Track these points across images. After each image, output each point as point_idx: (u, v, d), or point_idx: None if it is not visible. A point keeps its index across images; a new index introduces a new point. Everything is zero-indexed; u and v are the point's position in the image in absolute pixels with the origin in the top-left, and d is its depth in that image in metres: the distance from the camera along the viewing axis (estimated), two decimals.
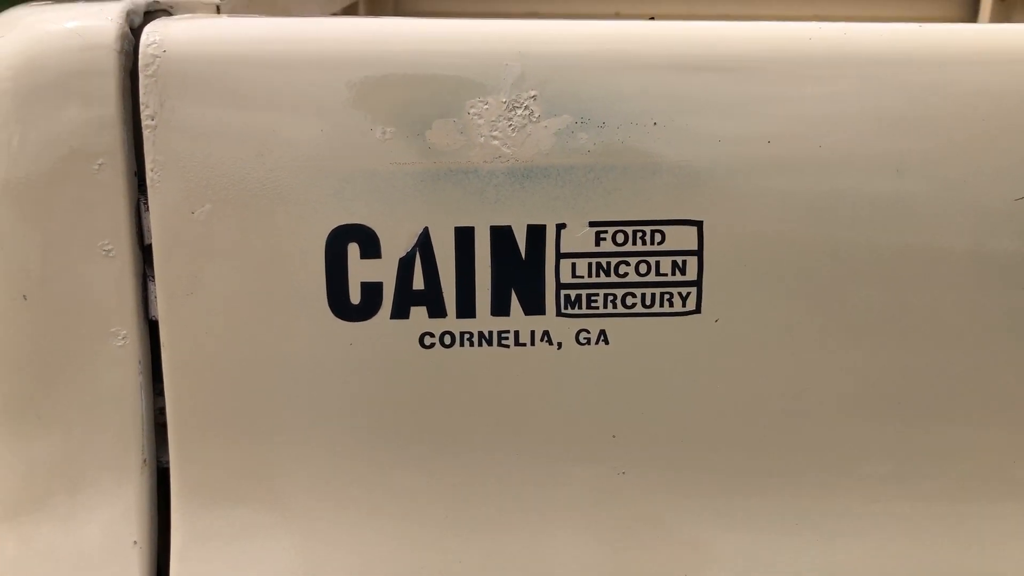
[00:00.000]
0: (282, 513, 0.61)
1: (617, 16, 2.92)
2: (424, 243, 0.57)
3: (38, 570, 0.61)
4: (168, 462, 0.61)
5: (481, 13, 2.80)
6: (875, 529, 0.64)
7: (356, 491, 0.61)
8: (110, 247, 0.58)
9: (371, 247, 0.57)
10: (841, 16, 3.05)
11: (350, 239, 0.57)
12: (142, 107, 0.55)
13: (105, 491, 0.60)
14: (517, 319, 0.59)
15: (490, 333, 0.59)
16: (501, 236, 0.57)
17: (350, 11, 1.47)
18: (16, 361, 0.60)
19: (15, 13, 0.62)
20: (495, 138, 0.56)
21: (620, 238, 0.58)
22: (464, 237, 0.57)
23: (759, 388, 0.61)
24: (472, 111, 0.56)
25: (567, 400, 0.60)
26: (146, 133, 0.56)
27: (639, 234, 0.58)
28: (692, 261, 0.58)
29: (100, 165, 0.56)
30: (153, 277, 0.58)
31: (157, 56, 0.55)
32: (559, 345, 0.59)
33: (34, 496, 0.61)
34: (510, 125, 0.56)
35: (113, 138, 0.56)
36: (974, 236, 0.58)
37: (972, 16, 3.07)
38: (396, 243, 0.57)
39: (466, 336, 0.59)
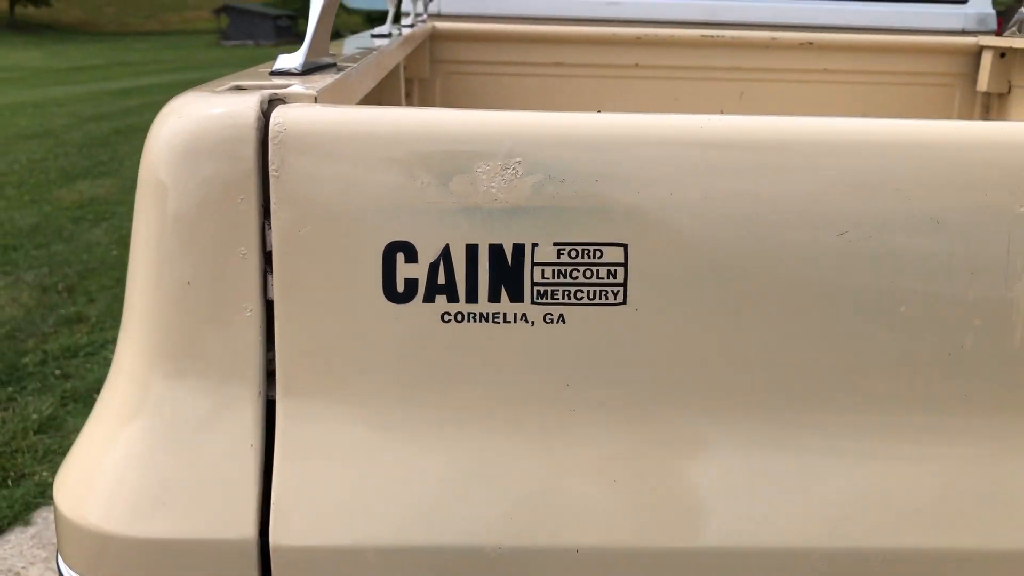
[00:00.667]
0: (352, 428, 0.93)
1: (637, 67, 3.23)
2: (445, 254, 0.88)
3: (186, 460, 0.92)
4: (275, 396, 0.93)
5: (509, 61, 3.12)
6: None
7: (399, 411, 0.92)
8: (244, 252, 0.90)
9: (411, 255, 0.88)
10: (849, 70, 3.31)
11: (398, 250, 0.88)
12: (270, 163, 0.87)
13: (234, 412, 0.92)
14: (505, 305, 0.90)
15: (488, 313, 0.90)
16: (496, 251, 0.89)
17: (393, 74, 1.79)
18: (178, 323, 0.92)
19: (185, 98, 0.94)
20: (493, 187, 0.88)
21: (573, 253, 0.89)
22: (471, 251, 0.88)
23: (666, 355, 0.92)
24: (479, 170, 0.87)
25: (537, 359, 0.92)
26: (272, 180, 0.88)
27: (586, 251, 0.89)
28: (620, 270, 0.89)
29: (241, 200, 0.89)
30: (271, 272, 0.90)
31: (280, 132, 0.87)
32: (532, 323, 0.90)
33: (184, 413, 0.93)
34: (503, 179, 0.88)
35: (250, 183, 0.88)
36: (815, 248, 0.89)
37: (974, 71, 3.32)
38: (428, 253, 0.89)
39: (471, 315, 0.90)
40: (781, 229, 0.90)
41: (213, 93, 0.93)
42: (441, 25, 3.13)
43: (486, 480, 0.93)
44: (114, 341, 3.74)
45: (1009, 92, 3.13)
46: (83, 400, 3.38)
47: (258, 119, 0.88)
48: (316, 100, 0.94)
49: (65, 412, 3.31)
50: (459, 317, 0.90)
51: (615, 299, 0.90)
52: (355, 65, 1.31)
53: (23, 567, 2.45)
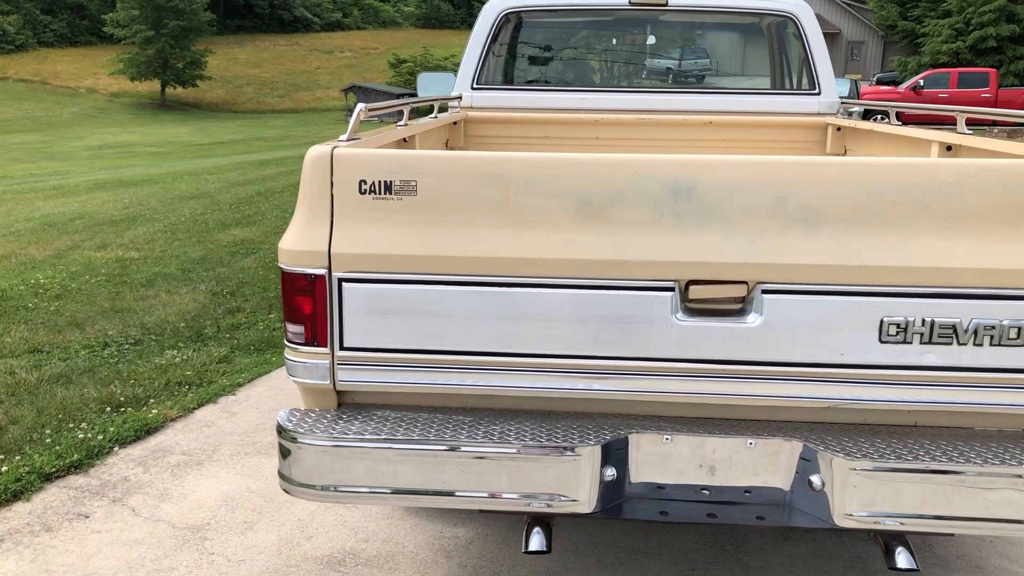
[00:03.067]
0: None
1: (597, 139, 4.98)
2: None
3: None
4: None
5: (515, 136, 4.93)
6: None
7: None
8: (324, 209, 2.69)
9: None
10: (739, 139, 5.08)
11: None
12: (333, 170, 2.66)
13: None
14: None
15: None
16: None
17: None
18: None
19: (312, 148, 2.74)
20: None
21: None
22: None
23: None
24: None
25: None
26: (333, 175, 2.67)
27: None
28: None
29: (327, 182, 2.68)
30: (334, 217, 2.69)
31: (335, 157, 2.66)
32: None
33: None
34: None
35: (327, 174, 2.68)
36: None
37: (823, 140, 4.94)
38: None
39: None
40: None
41: (320, 144, 2.73)
42: (472, 113, 4.97)
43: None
44: (261, 322, 5.71)
45: (844, 153, 4.75)
46: (243, 349, 5.33)
47: (331, 153, 2.66)
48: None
49: (233, 355, 5.25)
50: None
51: None
52: (383, 133, 3.11)
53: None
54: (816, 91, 4.89)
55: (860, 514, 2.24)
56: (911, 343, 2.27)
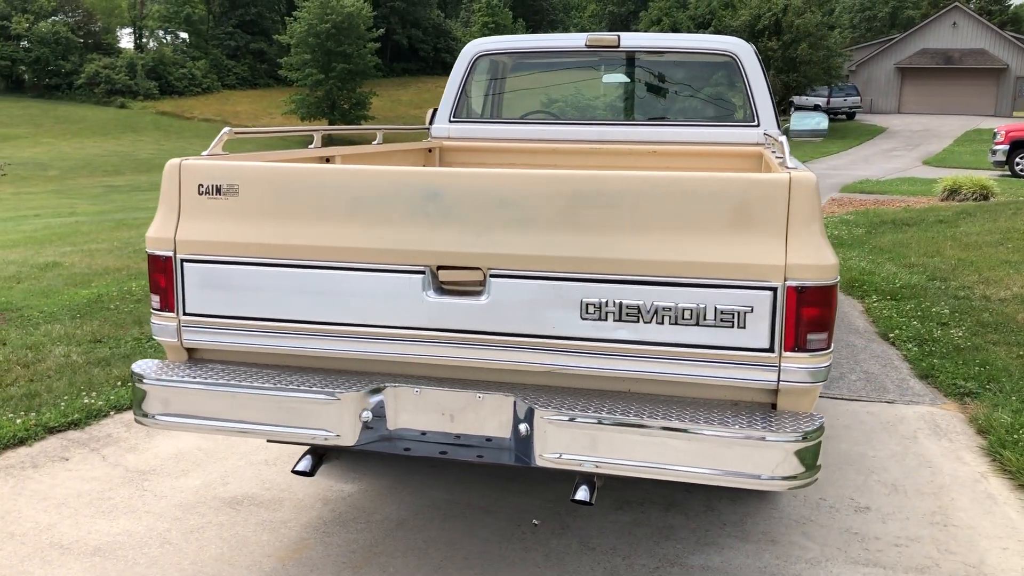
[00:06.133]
0: None
1: (556, 166, 5.55)
2: None
3: None
4: None
5: (484, 163, 5.58)
6: None
7: None
8: None
9: None
10: (683, 166, 5.61)
11: None
12: None
13: None
14: None
15: None
16: None
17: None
18: None
19: (179, 159, 3.49)
20: None
21: None
22: None
23: None
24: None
25: None
26: None
27: None
28: None
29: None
30: None
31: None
32: None
33: None
34: None
35: None
36: None
37: (759, 166, 5.32)
38: None
39: None
40: None
41: (177, 158, 3.47)
42: (447, 143, 5.66)
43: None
44: None
45: None
46: None
47: (180, 164, 3.39)
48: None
49: None
50: None
51: None
52: (302, 152, 3.83)
53: None
54: (755, 123, 5.30)
55: (550, 455, 2.74)
56: (606, 320, 2.77)
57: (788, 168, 2.84)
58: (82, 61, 60.66)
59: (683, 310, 2.72)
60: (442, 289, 2.92)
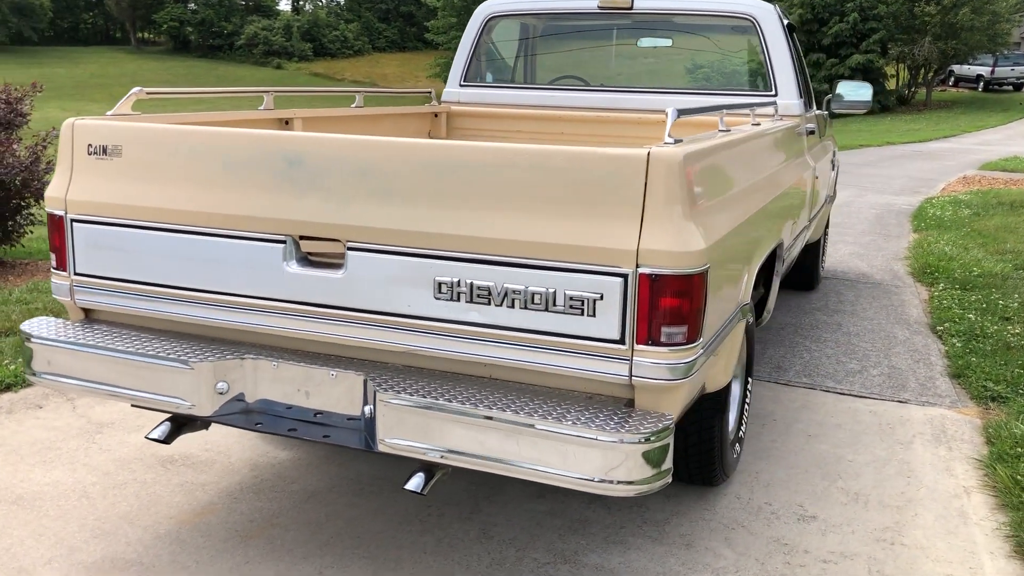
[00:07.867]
0: None
1: (563, 134, 5.33)
2: None
3: None
4: None
5: (492, 129, 5.44)
6: None
7: None
8: None
9: None
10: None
11: None
12: None
13: None
14: None
15: None
16: None
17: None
18: None
19: (73, 119, 3.48)
20: None
21: None
22: None
23: None
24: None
25: None
26: None
27: None
28: None
29: None
30: None
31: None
32: None
33: None
34: None
35: None
36: None
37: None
38: None
39: None
40: None
41: (72, 118, 3.46)
42: (455, 107, 5.51)
43: None
44: None
45: None
46: None
47: (73, 124, 3.37)
48: None
49: None
50: None
51: None
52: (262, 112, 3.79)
53: None
54: (773, 92, 4.91)
55: (391, 440, 2.60)
56: (459, 301, 2.60)
57: (666, 142, 2.58)
58: (243, 23, 63.27)
59: (533, 294, 2.52)
60: (307, 260, 2.80)
